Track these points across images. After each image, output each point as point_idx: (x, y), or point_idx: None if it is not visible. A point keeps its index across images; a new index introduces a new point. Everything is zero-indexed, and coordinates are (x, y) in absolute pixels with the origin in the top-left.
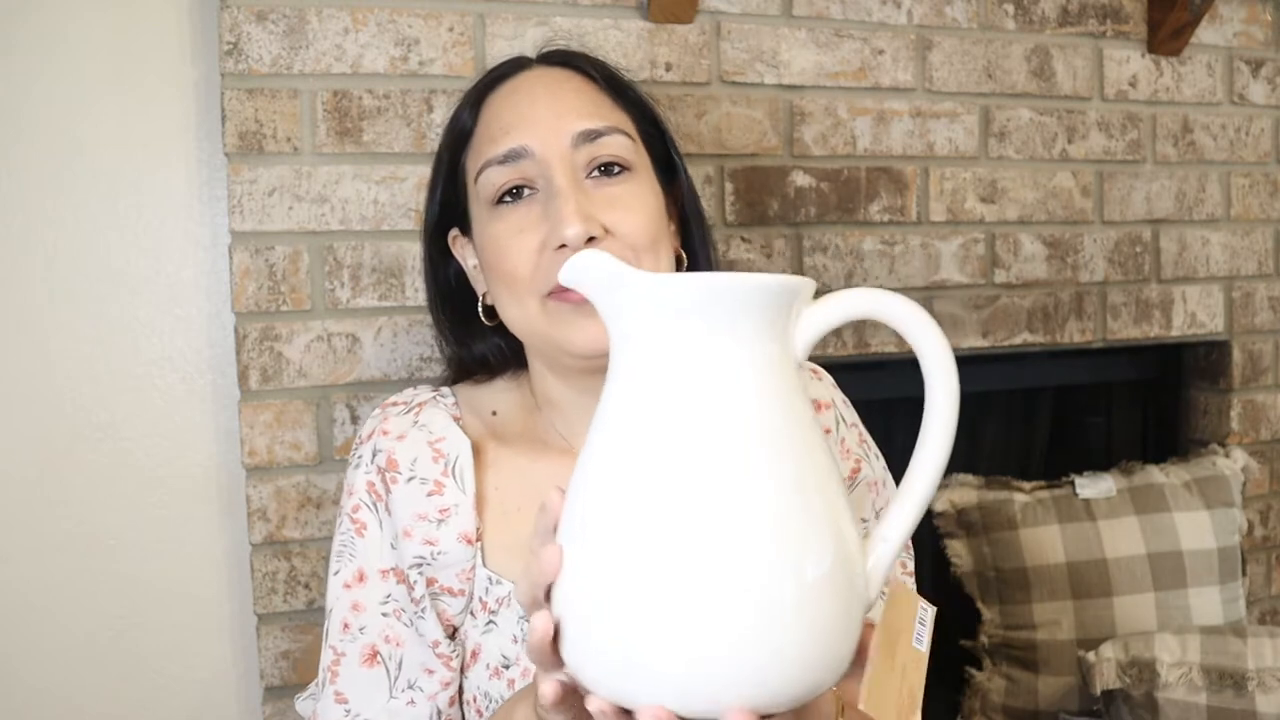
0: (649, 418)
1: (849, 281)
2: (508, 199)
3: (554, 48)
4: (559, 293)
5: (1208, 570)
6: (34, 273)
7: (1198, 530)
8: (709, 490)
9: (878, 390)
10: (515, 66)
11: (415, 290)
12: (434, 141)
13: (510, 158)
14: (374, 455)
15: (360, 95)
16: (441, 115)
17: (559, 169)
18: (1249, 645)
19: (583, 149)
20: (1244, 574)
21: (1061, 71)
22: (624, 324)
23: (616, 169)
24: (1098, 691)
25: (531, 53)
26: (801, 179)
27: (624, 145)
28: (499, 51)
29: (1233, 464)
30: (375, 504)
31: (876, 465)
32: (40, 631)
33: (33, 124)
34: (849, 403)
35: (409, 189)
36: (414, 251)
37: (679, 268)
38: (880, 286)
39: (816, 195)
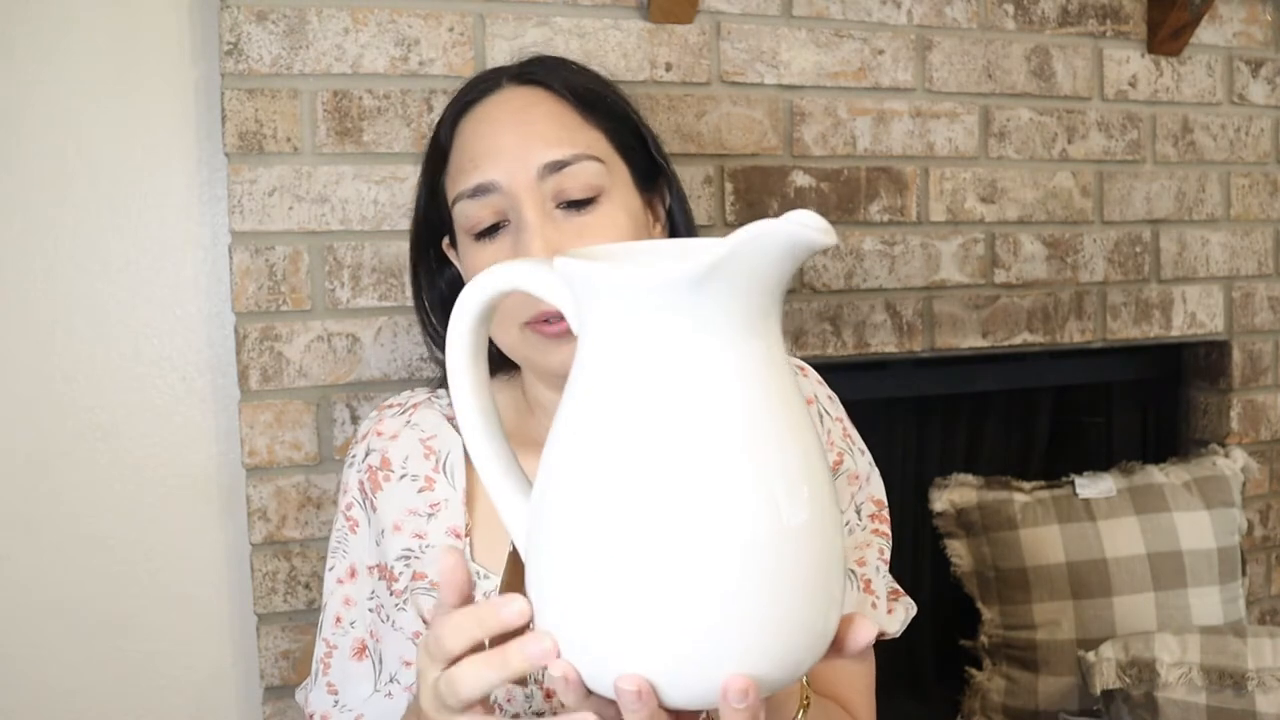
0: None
1: (849, 282)
2: (484, 236)
3: (528, 57)
4: (536, 323)
5: (1208, 570)
6: (34, 273)
7: (1198, 530)
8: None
9: (878, 390)
10: (487, 87)
11: None
12: None
13: (479, 191)
14: (367, 454)
15: (360, 95)
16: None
17: (527, 202)
18: (1249, 645)
19: (550, 180)
20: (1244, 574)
21: (1061, 71)
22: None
23: (585, 202)
24: (1098, 691)
25: (519, 56)
26: (801, 179)
27: (593, 171)
28: (499, 52)
29: (1233, 464)
30: (365, 501)
31: (860, 460)
32: (40, 631)
33: (33, 124)
34: (834, 397)
35: (409, 189)
36: None
37: None
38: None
39: (816, 195)
